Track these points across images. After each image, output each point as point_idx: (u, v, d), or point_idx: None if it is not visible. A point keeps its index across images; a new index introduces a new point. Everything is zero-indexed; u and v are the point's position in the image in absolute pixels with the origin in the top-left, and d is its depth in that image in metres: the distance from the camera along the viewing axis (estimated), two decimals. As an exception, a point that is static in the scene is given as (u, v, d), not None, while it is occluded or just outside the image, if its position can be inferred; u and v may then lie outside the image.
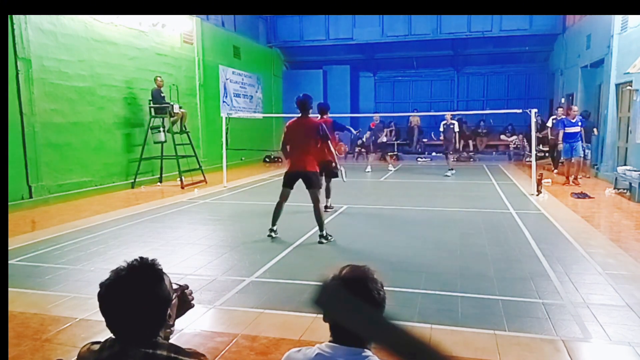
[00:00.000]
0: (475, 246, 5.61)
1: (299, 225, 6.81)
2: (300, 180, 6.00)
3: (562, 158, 10.96)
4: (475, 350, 3.07)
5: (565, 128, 10.86)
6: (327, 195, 7.89)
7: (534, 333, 3.31)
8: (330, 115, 8.52)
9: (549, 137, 13.08)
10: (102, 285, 1.32)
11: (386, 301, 1.43)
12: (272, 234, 6.02)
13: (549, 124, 13.15)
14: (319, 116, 7.62)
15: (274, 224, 6.05)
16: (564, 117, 12.67)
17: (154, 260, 1.36)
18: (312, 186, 5.93)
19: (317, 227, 5.92)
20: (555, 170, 12.71)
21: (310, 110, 5.94)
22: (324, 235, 5.85)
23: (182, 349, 1.34)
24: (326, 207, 7.73)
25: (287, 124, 6.03)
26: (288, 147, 5.99)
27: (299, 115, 5.95)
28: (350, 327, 0.87)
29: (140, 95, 11.27)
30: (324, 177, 7.15)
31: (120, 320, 1.30)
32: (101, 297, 1.31)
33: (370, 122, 14.95)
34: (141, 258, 1.35)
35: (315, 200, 5.95)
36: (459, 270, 4.73)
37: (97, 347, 1.32)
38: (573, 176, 10.58)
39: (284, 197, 6.07)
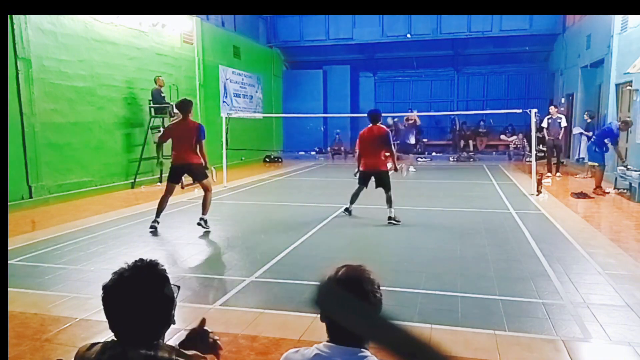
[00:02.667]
0: (475, 246, 5.61)
1: (299, 225, 6.81)
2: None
3: (598, 165, 9.41)
4: (475, 350, 3.07)
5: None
6: (389, 205, 6.93)
7: (534, 333, 3.31)
8: (333, 115, 8.57)
9: (547, 137, 12.49)
10: (106, 286, 1.31)
11: (383, 302, 1.43)
12: (156, 224, 6.33)
13: (544, 124, 12.45)
14: (371, 124, 6.91)
15: (157, 215, 6.39)
16: (559, 115, 12.46)
17: (156, 261, 1.36)
18: (199, 178, 6.46)
19: (317, 227, 5.93)
20: (550, 174, 11.89)
21: (191, 114, 6.45)
22: (205, 220, 6.38)
23: (183, 352, 1.33)
24: (390, 218, 6.85)
25: (168, 126, 6.73)
26: (172, 145, 6.49)
27: (181, 118, 6.49)
28: (349, 327, 0.87)
29: (140, 95, 11.27)
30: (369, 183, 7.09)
31: (126, 322, 1.29)
32: (107, 298, 1.30)
33: (400, 121, 14.78)
34: (143, 259, 1.35)
35: (206, 190, 6.48)
36: (459, 270, 4.73)
37: (97, 348, 1.31)
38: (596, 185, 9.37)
39: (169, 192, 6.49)
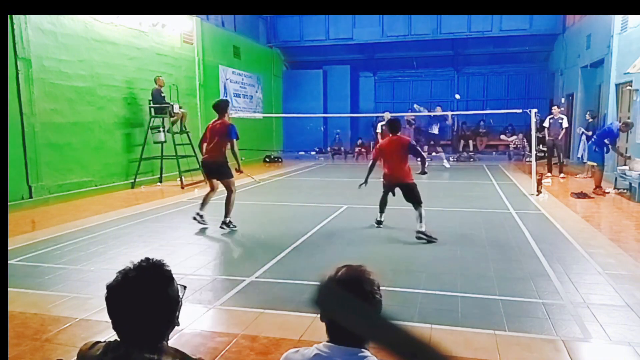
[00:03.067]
0: (475, 246, 5.61)
1: (299, 225, 6.81)
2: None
3: (597, 165, 9.39)
4: (475, 350, 3.07)
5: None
6: (420, 220, 6.05)
7: (534, 333, 3.31)
8: (333, 115, 8.42)
9: (547, 137, 12.33)
10: (110, 286, 1.29)
11: (383, 302, 1.42)
12: (197, 217, 6.52)
13: (546, 123, 12.27)
14: (391, 134, 6.43)
15: (201, 208, 6.60)
16: (560, 115, 12.27)
17: (162, 261, 1.35)
18: (222, 177, 6.58)
19: (317, 227, 5.92)
20: (550, 174, 11.59)
21: (227, 114, 6.68)
22: (227, 222, 6.46)
23: (188, 355, 1.32)
24: (420, 233, 5.94)
25: (208, 125, 6.79)
26: (204, 144, 6.71)
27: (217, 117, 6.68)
28: (350, 327, 0.87)
29: (140, 95, 11.28)
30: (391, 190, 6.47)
31: (129, 322, 1.28)
32: (111, 297, 1.29)
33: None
34: (149, 259, 1.33)
35: (229, 190, 6.54)
36: (459, 270, 4.74)
37: (99, 347, 1.30)
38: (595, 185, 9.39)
39: (212, 188, 6.73)
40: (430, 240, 5.78)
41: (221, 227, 6.44)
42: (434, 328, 3.38)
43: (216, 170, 6.58)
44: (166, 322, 1.32)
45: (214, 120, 6.72)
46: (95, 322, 3.50)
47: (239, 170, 6.71)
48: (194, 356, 1.33)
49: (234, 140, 6.44)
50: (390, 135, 6.44)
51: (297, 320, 3.54)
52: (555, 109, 12.35)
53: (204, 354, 2.97)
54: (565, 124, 12.04)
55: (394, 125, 6.47)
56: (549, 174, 11.65)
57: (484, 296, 4.02)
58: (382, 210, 6.66)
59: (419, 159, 6.49)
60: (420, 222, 5.90)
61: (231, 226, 6.51)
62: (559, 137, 12.08)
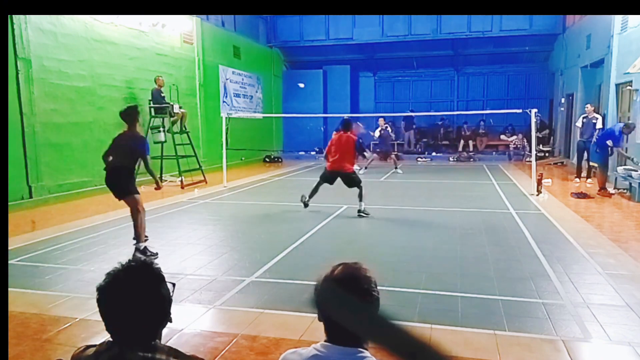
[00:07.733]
0: (475, 246, 5.61)
1: (299, 225, 6.81)
2: None
3: (599, 165, 9.34)
4: (475, 350, 3.07)
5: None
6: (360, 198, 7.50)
7: (534, 333, 3.31)
8: (333, 115, 8.74)
9: (578, 138, 11.35)
10: (100, 287, 1.29)
11: (383, 302, 1.42)
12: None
13: (579, 123, 11.36)
14: (343, 132, 7.59)
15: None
16: (595, 115, 11.15)
17: (151, 260, 1.35)
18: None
19: (317, 227, 5.91)
20: (577, 180, 10.96)
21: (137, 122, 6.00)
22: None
23: (181, 353, 1.32)
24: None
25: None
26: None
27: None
28: (348, 325, 0.87)
29: (140, 95, 11.27)
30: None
31: (121, 322, 1.28)
32: (101, 299, 1.29)
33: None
34: (137, 259, 1.33)
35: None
36: (459, 270, 4.74)
37: (93, 349, 1.30)
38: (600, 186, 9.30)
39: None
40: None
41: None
42: (434, 328, 3.38)
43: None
44: (158, 320, 1.32)
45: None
46: (95, 322, 3.50)
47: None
48: (187, 354, 1.33)
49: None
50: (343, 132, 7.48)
51: (297, 320, 3.54)
52: (589, 108, 11.40)
53: (204, 354, 2.97)
54: (599, 124, 10.92)
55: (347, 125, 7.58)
56: (577, 180, 10.97)
57: (484, 296, 4.02)
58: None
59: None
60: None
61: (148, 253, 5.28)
62: (593, 139, 10.75)
